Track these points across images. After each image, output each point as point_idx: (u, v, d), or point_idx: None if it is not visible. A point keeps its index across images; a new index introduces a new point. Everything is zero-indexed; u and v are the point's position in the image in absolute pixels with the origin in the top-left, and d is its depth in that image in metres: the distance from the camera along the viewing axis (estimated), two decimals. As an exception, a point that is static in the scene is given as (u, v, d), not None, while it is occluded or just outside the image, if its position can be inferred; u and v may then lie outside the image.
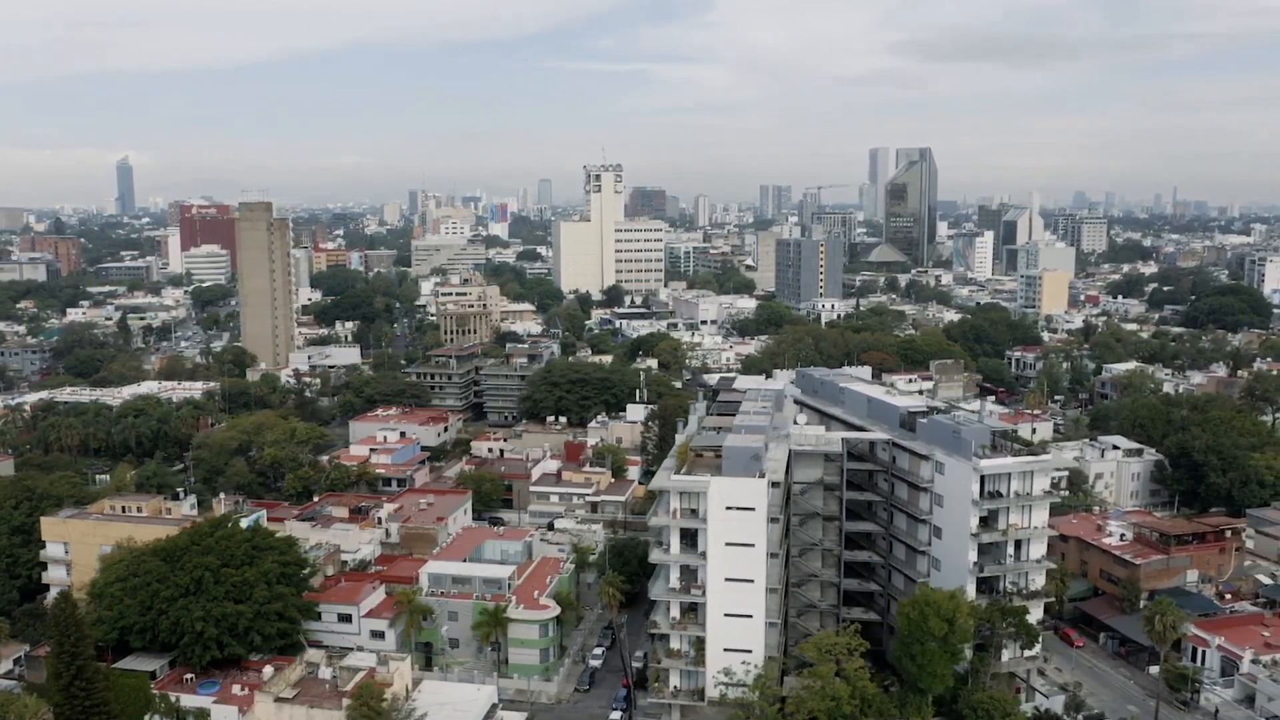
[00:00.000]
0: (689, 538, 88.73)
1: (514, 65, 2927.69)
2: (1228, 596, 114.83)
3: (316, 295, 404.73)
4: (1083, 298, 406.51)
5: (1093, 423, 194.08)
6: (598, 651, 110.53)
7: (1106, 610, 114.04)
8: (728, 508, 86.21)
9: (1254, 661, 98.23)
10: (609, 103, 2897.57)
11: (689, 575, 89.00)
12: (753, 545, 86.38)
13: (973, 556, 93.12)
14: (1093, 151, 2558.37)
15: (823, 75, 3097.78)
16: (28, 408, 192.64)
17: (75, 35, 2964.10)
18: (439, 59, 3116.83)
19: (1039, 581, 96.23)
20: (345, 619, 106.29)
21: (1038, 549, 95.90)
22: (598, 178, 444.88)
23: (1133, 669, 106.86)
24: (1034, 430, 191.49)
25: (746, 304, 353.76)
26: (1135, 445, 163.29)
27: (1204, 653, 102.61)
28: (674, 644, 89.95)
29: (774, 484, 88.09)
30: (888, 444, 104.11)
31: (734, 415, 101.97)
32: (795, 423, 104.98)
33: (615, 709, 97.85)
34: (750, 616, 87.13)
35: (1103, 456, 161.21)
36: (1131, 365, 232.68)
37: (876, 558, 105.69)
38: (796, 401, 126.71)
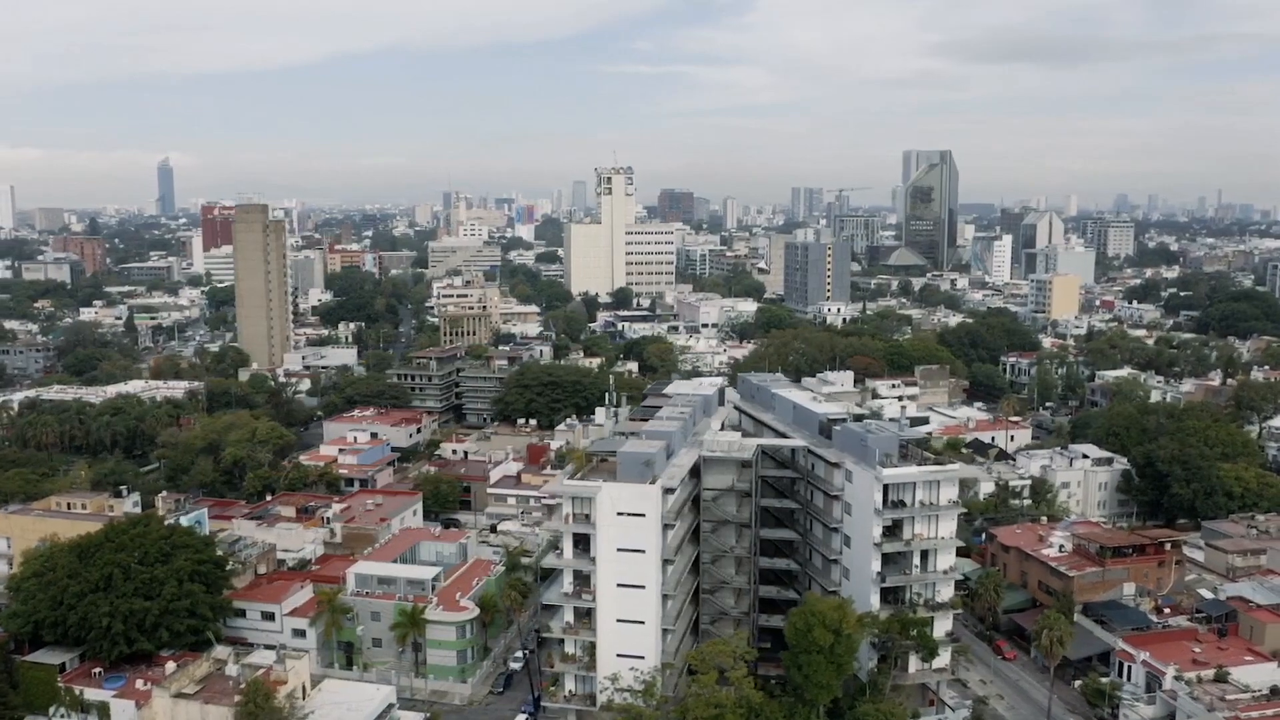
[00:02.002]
0: (582, 543, 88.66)
1: (549, 67, 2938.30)
2: (1166, 611, 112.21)
3: (328, 296, 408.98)
4: (1098, 303, 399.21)
5: (1074, 430, 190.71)
6: (519, 654, 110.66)
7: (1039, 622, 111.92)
8: (619, 513, 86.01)
9: (1176, 678, 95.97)
10: (645, 104, 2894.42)
11: (581, 580, 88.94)
12: (644, 551, 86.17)
13: (876, 566, 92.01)
14: (1135, 154, 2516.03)
15: (861, 77, 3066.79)
16: (15, 404, 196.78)
17: (120, 40, 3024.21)
18: (475, 61, 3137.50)
19: (946, 593, 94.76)
20: (269, 617, 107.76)
21: (945, 560, 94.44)
22: (608, 180, 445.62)
23: (1059, 683, 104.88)
24: (1011, 437, 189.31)
25: (748, 307, 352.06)
26: (1105, 454, 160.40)
27: (1129, 668, 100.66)
28: (568, 649, 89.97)
29: (668, 490, 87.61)
30: (806, 451, 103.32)
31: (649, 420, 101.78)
32: (713, 428, 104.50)
33: (523, 712, 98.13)
34: (642, 622, 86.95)
35: (1071, 465, 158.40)
36: (1124, 372, 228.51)
37: (795, 565, 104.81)
38: (736, 407, 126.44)
